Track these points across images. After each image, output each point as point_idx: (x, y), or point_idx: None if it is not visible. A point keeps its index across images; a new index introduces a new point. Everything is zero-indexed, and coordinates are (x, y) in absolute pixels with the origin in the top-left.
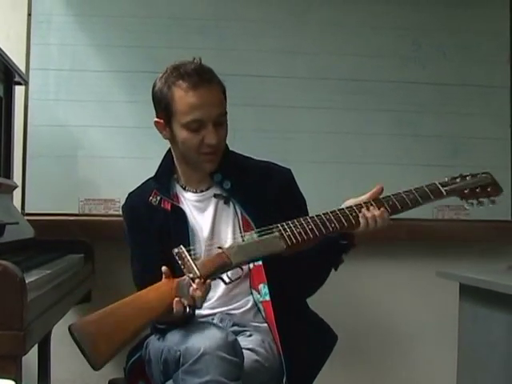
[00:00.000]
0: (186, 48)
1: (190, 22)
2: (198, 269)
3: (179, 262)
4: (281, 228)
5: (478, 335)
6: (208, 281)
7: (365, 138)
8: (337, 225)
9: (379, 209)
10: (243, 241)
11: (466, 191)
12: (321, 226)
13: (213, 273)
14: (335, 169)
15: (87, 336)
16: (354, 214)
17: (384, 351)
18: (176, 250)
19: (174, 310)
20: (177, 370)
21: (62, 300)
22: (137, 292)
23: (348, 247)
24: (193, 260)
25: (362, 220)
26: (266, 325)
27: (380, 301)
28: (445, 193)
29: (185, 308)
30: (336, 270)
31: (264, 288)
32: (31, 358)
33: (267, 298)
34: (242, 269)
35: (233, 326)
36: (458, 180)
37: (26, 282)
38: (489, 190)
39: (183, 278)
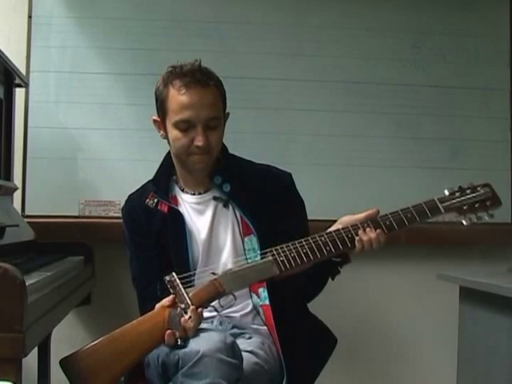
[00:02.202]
0: (187, 50)
1: (190, 24)
2: (190, 299)
3: (171, 290)
4: (275, 252)
5: (478, 338)
6: (200, 310)
7: (365, 140)
8: (332, 248)
9: (376, 230)
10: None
11: (464, 207)
12: (316, 250)
13: (205, 302)
14: (335, 171)
15: (78, 372)
16: (349, 235)
17: (384, 354)
18: (168, 278)
19: (166, 342)
20: (176, 373)
21: (62, 302)
22: (128, 324)
23: (343, 263)
24: (185, 289)
25: (357, 244)
26: (265, 327)
27: (380, 303)
28: (443, 210)
29: (176, 340)
30: (333, 279)
31: (264, 292)
32: (31, 360)
33: (267, 301)
34: (234, 296)
35: (232, 328)
36: (457, 194)
37: (26, 284)
38: (488, 204)
39: (175, 307)
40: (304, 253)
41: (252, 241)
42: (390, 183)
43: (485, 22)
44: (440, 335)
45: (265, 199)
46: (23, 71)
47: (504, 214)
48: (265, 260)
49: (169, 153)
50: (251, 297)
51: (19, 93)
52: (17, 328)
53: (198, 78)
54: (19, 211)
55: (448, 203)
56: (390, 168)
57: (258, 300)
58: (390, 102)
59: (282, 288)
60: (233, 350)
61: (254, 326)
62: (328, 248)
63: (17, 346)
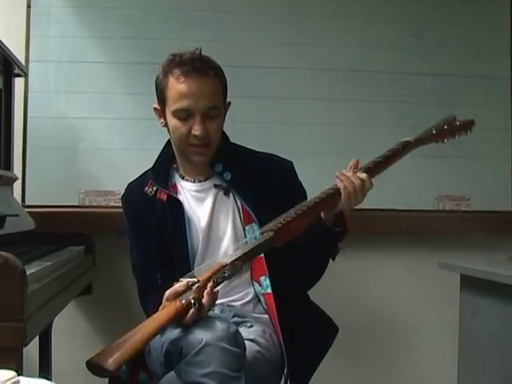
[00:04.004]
0: (186, 40)
1: (189, 13)
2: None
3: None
4: (265, 227)
5: (479, 326)
6: (210, 284)
7: (365, 129)
8: (317, 199)
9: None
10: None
11: (434, 132)
12: (303, 205)
13: (211, 274)
14: (335, 160)
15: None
16: (332, 187)
17: (385, 343)
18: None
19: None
20: (179, 362)
21: (63, 292)
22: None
23: (341, 234)
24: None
25: (339, 184)
26: (266, 316)
27: (380, 292)
28: (413, 141)
29: (190, 303)
30: (334, 259)
31: (265, 280)
32: (32, 349)
33: (269, 290)
34: (241, 267)
35: (233, 317)
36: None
37: (27, 273)
38: (458, 123)
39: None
40: (293, 211)
41: (253, 229)
42: (389, 172)
43: (485, 12)
44: (441, 324)
45: (266, 187)
46: (22, 61)
47: (505, 203)
48: (259, 234)
49: (169, 141)
50: (253, 285)
51: (18, 83)
52: (17, 317)
53: (197, 66)
54: (19, 201)
55: (416, 136)
56: None
57: (260, 288)
58: (390, 90)
59: (283, 274)
60: (236, 339)
61: (255, 315)
62: (314, 200)
63: (18, 335)
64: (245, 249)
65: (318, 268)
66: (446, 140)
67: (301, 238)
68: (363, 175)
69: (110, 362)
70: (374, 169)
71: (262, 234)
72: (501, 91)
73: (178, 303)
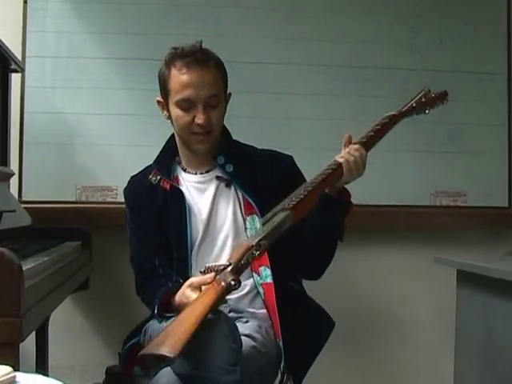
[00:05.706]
0: (184, 35)
1: (187, 8)
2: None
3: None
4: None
5: (475, 321)
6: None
7: (362, 124)
8: (324, 175)
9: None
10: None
11: (414, 105)
12: (310, 183)
13: (241, 256)
14: (332, 155)
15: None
16: (332, 162)
17: (381, 337)
18: (203, 270)
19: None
20: None
21: (60, 287)
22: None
23: (345, 206)
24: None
25: (340, 159)
26: (262, 311)
27: (377, 288)
28: (396, 113)
29: (230, 285)
30: (342, 239)
31: (265, 270)
32: (29, 344)
33: (268, 279)
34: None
35: (229, 312)
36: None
37: (23, 269)
38: (433, 96)
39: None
40: (303, 188)
41: (254, 220)
42: (387, 167)
43: (483, 7)
44: (437, 319)
45: (268, 179)
46: (19, 56)
47: (501, 199)
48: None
49: (172, 136)
50: (252, 276)
51: (15, 78)
52: (14, 313)
53: (198, 57)
54: (16, 197)
55: (398, 109)
56: (387, 152)
57: (259, 278)
58: (388, 85)
59: (285, 265)
60: (233, 335)
61: (251, 310)
62: (320, 177)
63: (14, 330)
64: (267, 228)
65: (328, 245)
66: (427, 111)
67: (308, 217)
68: (360, 148)
69: (170, 349)
70: (367, 142)
71: (277, 213)
72: (497, 86)
73: (218, 286)
